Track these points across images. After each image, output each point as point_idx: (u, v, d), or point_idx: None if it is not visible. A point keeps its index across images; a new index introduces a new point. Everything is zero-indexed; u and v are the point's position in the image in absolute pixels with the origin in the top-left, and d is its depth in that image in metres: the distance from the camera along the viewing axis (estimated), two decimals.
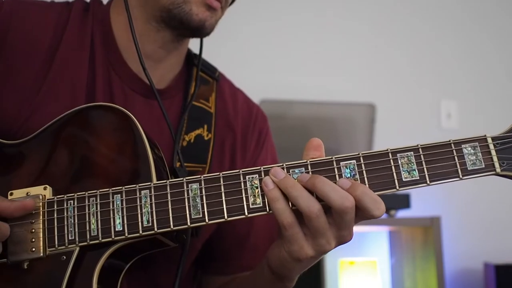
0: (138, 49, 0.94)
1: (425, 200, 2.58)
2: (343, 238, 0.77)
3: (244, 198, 0.77)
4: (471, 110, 2.82)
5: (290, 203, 0.75)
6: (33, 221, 0.81)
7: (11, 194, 0.83)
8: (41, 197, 0.82)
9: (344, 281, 2.25)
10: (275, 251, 0.81)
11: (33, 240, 0.80)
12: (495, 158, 0.76)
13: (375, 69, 2.76)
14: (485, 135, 0.78)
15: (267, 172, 0.77)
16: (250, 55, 2.57)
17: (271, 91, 2.45)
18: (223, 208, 0.77)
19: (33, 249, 0.80)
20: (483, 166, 0.76)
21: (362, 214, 0.75)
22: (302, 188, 0.74)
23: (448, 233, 2.45)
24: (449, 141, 0.77)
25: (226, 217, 0.77)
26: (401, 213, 2.32)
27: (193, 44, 1.09)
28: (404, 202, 2.24)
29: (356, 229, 2.54)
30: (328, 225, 0.75)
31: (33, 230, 0.80)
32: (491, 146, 0.77)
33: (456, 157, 0.77)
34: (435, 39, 2.88)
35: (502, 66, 2.91)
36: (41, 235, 0.80)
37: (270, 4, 2.67)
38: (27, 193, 0.82)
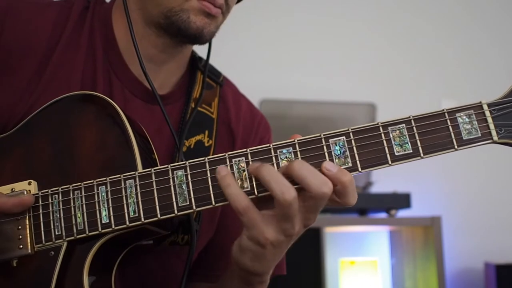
0: (138, 53, 0.91)
1: (425, 200, 2.58)
2: (308, 221, 0.74)
3: None
4: None
5: (253, 188, 0.73)
6: (19, 217, 0.80)
7: None
8: (25, 193, 0.80)
9: (344, 281, 2.25)
10: (238, 241, 0.78)
11: (20, 237, 0.79)
12: (491, 126, 0.72)
13: (375, 69, 2.76)
14: (480, 102, 0.73)
15: (253, 155, 0.75)
16: (250, 55, 2.57)
17: (271, 91, 2.45)
18: (210, 194, 0.74)
19: (21, 246, 0.79)
20: (480, 134, 0.72)
21: (338, 201, 0.73)
22: (275, 171, 0.71)
23: (448, 233, 2.45)
24: (443, 110, 0.73)
25: (213, 203, 0.74)
26: (402, 213, 2.32)
27: (201, 47, 1.07)
28: (404, 201, 2.23)
29: (357, 228, 2.54)
30: (298, 211, 0.72)
31: (20, 227, 0.79)
32: (487, 113, 0.73)
33: (450, 127, 0.73)
34: (435, 39, 2.87)
35: (502, 66, 2.91)
36: (27, 231, 0.79)
37: (271, 4, 2.67)
38: (12, 189, 0.81)
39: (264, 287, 0.83)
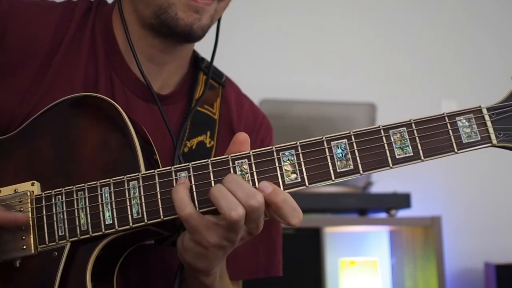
0: (135, 54, 0.92)
1: (425, 200, 2.58)
2: (251, 230, 0.75)
3: None
4: None
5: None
6: None
7: None
8: (29, 194, 0.81)
9: (344, 281, 2.25)
10: (181, 238, 0.79)
11: (24, 237, 0.79)
12: (491, 130, 0.74)
13: (375, 69, 2.76)
14: (479, 106, 0.75)
15: (256, 157, 0.75)
16: (250, 55, 2.57)
17: (271, 91, 2.45)
18: None
19: (24, 247, 0.79)
20: (479, 138, 0.74)
21: (279, 219, 0.74)
22: (224, 188, 0.72)
23: (448, 233, 2.45)
24: (443, 114, 0.75)
25: None
26: (402, 213, 2.32)
27: (205, 47, 1.07)
28: (404, 201, 2.23)
29: (357, 229, 2.54)
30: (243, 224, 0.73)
31: (23, 228, 0.80)
32: (487, 117, 0.74)
33: (450, 130, 0.74)
34: (435, 39, 2.87)
35: (502, 66, 2.91)
36: (31, 232, 0.79)
37: (271, 4, 2.67)
38: (15, 190, 0.81)
39: (213, 279, 0.83)
